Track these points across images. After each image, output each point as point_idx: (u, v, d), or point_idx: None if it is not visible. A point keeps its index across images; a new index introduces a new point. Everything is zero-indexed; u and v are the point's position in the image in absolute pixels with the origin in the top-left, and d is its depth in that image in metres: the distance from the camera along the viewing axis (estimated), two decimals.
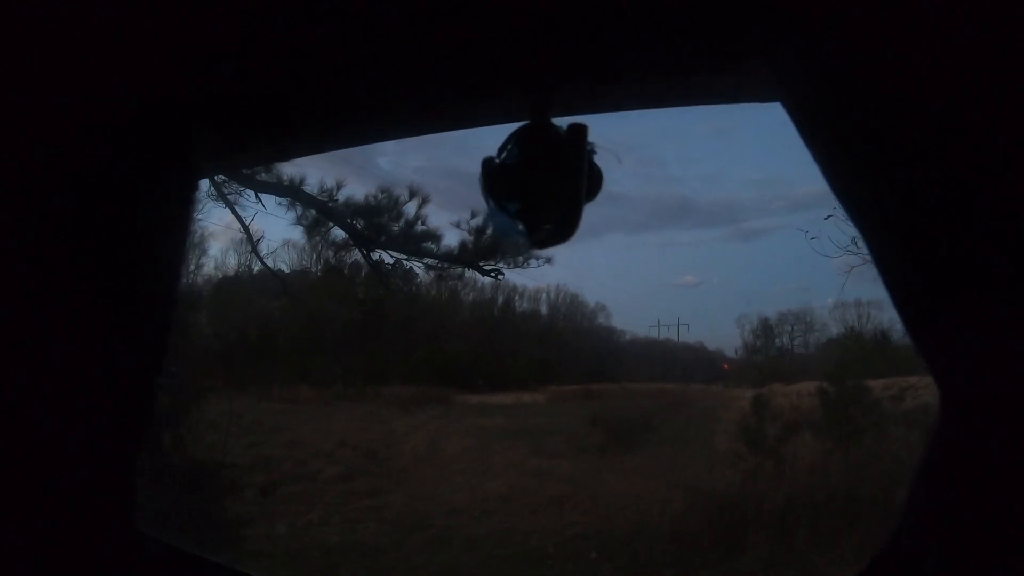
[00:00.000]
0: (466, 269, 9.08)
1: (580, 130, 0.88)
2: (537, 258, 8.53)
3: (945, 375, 0.60)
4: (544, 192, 0.90)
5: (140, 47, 0.63)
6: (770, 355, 16.87)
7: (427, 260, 8.65)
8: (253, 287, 11.85)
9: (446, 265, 8.87)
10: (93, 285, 0.68)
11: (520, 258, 8.66)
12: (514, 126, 0.92)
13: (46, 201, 0.63)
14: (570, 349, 18.42)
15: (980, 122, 0.51)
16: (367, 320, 13.62)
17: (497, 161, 0.91)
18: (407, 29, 0.76)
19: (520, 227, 0.90)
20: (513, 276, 17.26)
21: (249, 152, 1.17)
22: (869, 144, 0.59)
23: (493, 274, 8.73)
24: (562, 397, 13.75)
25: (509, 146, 0.90)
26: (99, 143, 0.65)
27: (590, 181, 0.89)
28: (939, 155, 0.53)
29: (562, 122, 0.89)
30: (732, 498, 6.07)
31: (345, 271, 11.89)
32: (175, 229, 0.78)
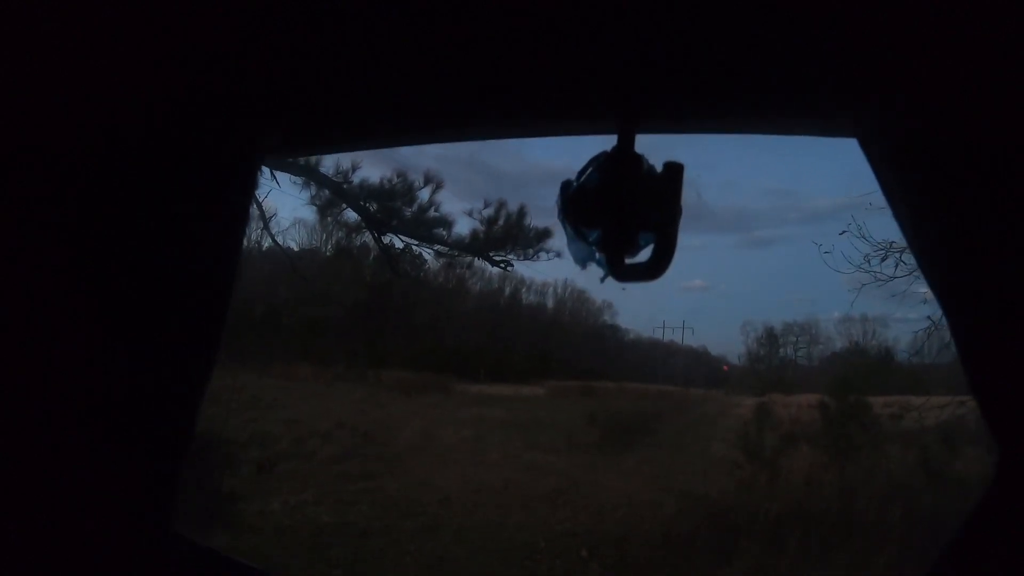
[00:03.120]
0: (476, 258, 9.09)
1: (677, 169, 0.84)
2: (547, 251, 8.53)
3: (1005, 433, 0.60)
4: (626, 221, 0.86)
5: (200, 42, 0.63)
6: (772, 364, 16.83)
7: (437, 247, 8.65)
8: (262, 263, 11.89)
9: (456, 253, 8.88)
10: (145, 282, 0.68)
11: (530, 250, 8.65)
12: (587, 139, 0.90)
13: (100, 196, 0.63)
14: (573, 345, 18.42)
15: None
16: (372, 303, 13.64)
17: (575, 185, 0.87)
18: (491, 40, 0.75)
19: (598, 255, 0.87)
20: (522, 268, 17.28)
21: (306, 147, 1.16)
22: (941, 186, 0.59)
23: (502, 265, 8.72)
24: (562, 392, 13.76)
25: (590, 170, 0.87)
26: (158, 136, 0.65)
27: (676, 217, 0.85)
28: (1013, 198, 0.52)
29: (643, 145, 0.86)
30: (724, 505, 6.07)
31: (354, 253, 11.92)
32: (231, 225, 0.78)
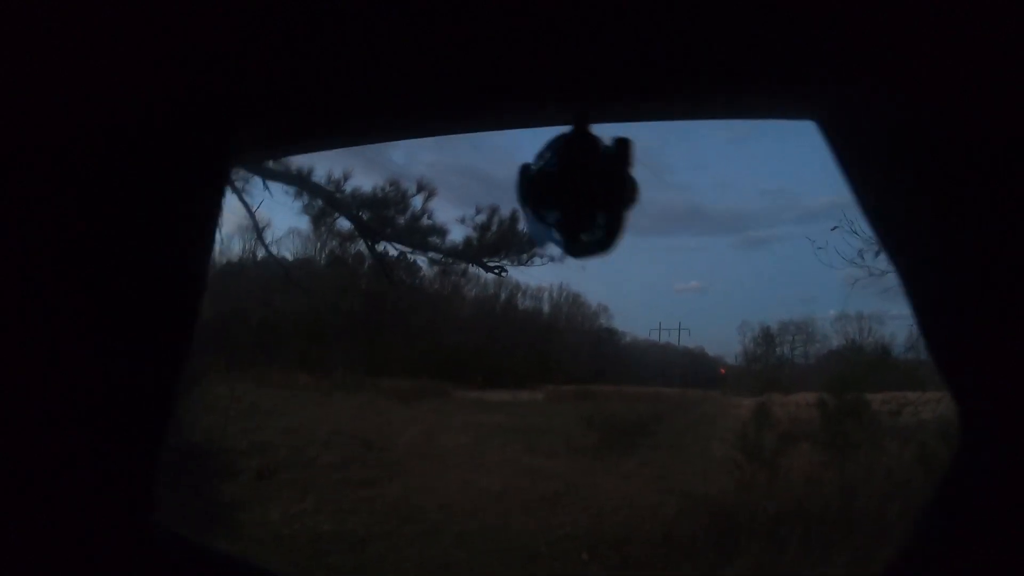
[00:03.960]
0: (470, 264, 9.11)
1: (626, 144, 0.87)
2: (541, 256, 8.56)
3: (965, 395, 0.60)
4: (583, 202, 0.89)
5: (172, 41, 0.63)
6: (770, 364, 16.86)
7: (431, 254, 8.68)
8: (257, 273, 11.88)
9: (450, 260, 8.90)
10: (118, 278, 0.68)
11: (524, 256, 8.68)
12: (549, 131, 0.92)
13: (72, 196, 0.63)
14: (570, 349, 18.43)
15: (1017, 148, 0.51)
16: (369, 311, 13.64)
17: (534, 169, 0.90)
18: (446, 30, 0.76)
19: (557, 236, 0.90)
20: (516, 273, 17.28)
21: (280, 146, 1.18)
22: (902, 165, 0.59)
23: (497, 270, 8.75)
24: (560, 396, 13.76)
25: (548, 154, 0.89)
26: (130, 136, 0.66)
27: (630, 193, 0.89)
28: (974, 177, 0.53)
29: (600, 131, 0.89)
30: (725, 505, 6.06)
31: (349, 262, 11.91)
32: (204, 222, 0.79)
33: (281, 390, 10.36)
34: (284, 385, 10.69)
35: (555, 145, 0.89)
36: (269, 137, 0.98)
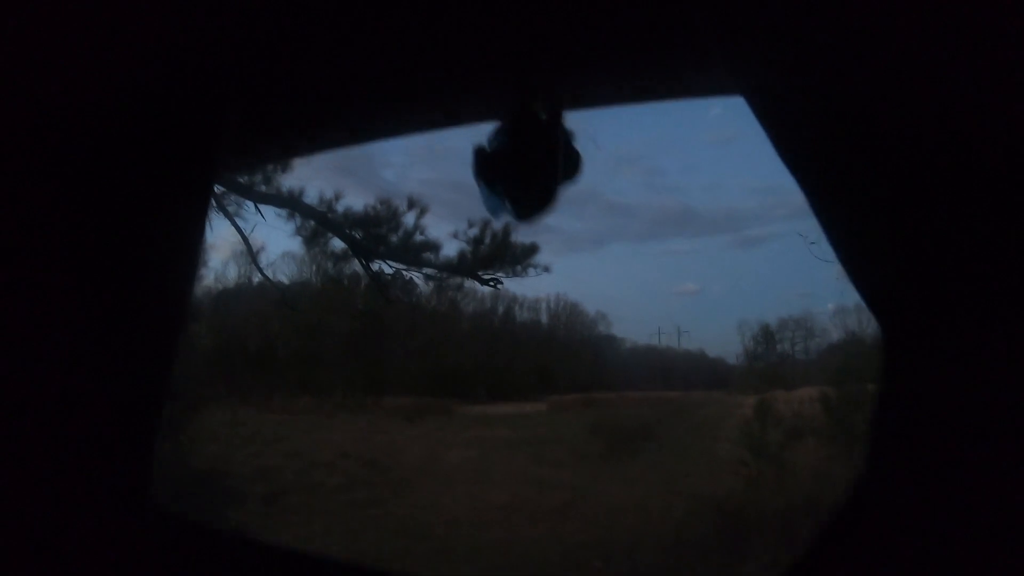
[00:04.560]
0: (465, 279, 9.12)
1: (556, 112, 0.97)
2: (535, 267, 8.57)
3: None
4: (528, 172, 0.98)
5: (157, 38, 0.63)
6: (771, 362, 16.84)
7: (426, 270, 8.69)
8: (253, 298, 11.86)
9: (446, 275, 8.90)
10: (106, 279, 0.68)
11: (519, 267, 8.70)
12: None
13: (55, 197, 0.63)
14: (571, 358, 18.40)
15: (958, 120, 0.49)
16: (367, 331, 13.62)
17: (488, 149, 1.00)
18: (408, 26, 0.78)
19: (507, 204, 1.00)
20: (513, 285, 17.30)
21: (267, 147, 1.20)
22: (832, 139, 0.58)
23: (492, 283, 8.76)
24: (563, 406, 13.72)
25: (498, 135, 0.99)
26: (114, 136, 0.65)
27: (568, 160, 0.98)
28: (908, 150, 0.52)
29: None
30: (734, 505, 6.06)
31: (344, 282, 11.91)
32: (191, 226, 0.79)
33: (283, 414, 10.31)
34: (286, 409, 10.64)
35: (503, 125, 0.99)
36: (255, 137, 0.99)
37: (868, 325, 13.77)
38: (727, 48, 0.68)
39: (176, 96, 0.70)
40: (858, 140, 0.55)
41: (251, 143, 1.04)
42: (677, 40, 0.78)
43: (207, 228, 0.85)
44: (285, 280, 12.25)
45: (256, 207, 7.17)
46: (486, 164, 1.00)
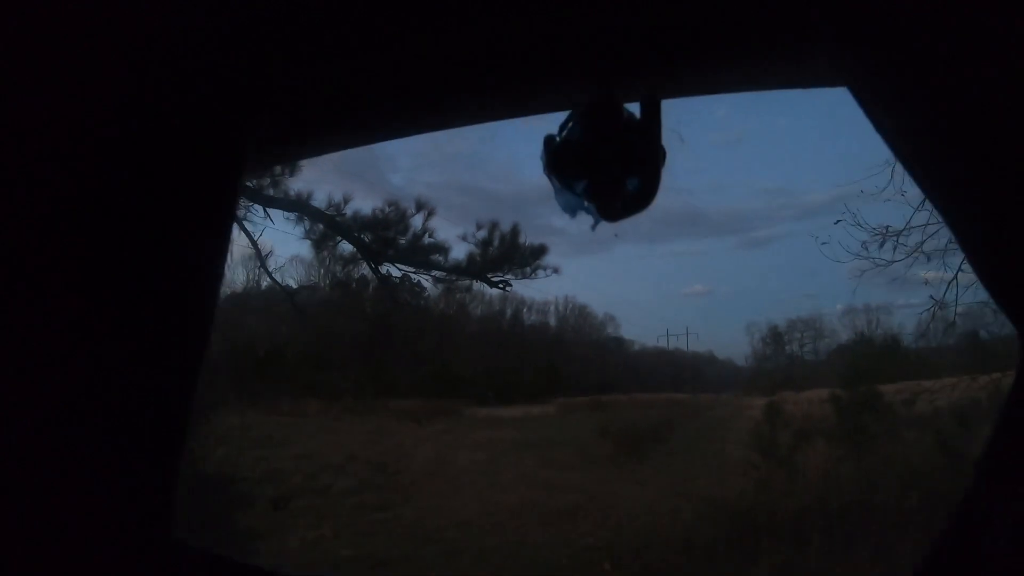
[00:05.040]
0: (474, 281, 9.11)
1: (655, 101, 0.86)
2: (544, 268, 8.57)
3: None
4: (613, 168, 0.87)
5: (181, 36, 0.63)
6: (780, 362, 16.77)
7: (435, 273, 8.69)
8: (262, 302, 11.89)
9: (454, 277, 8.91)
10: (131, 285, 0.68)
11: (528, 269, 8.69)
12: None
13: (82, 198, 0.63)
14: (579, 360, 18.38)
15: None
16: (375, 334, 13.64)
17: (559, 139, 0.88)
18: (466, 15, 0.75)
19: (587, 204, 0.88)
20: (521, 288, 17.29)
21: (287, 146, 1.16)
22: (938, 123, 0.58)
23: (501, 285, 8.75)
24: (571, 408, 13.71)
25: (571, 123, 0.88)
26: (137, 134, 0.65)
27: (659, 153, 0.87)
28: (1015, 129, 0.52)
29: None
30: (744, 507, 6.03)
31: (353, 285, 11.93)
32: (217, 228, 0.78)
33: (292, 417, 10.34)
34: (295, 412, 10.66)
35: (578, 112, 0.88)
36: (280, 136, 0.97)
37: (877, 326, 13.70)
38: (838, 37, 0.67)
39: (196, 100, 0.69)
40: (974, 130, 0.55)
41: (280, 139, 1.01)
42: (782, 29, 0.75)
43: (231, 241, 0.84)
44: (294, 283, 12.26)
45: (265, 211, 7.19)
46: (559, 156, 0.88)
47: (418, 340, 14.93)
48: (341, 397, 11.70)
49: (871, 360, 10.68)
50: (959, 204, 0.61)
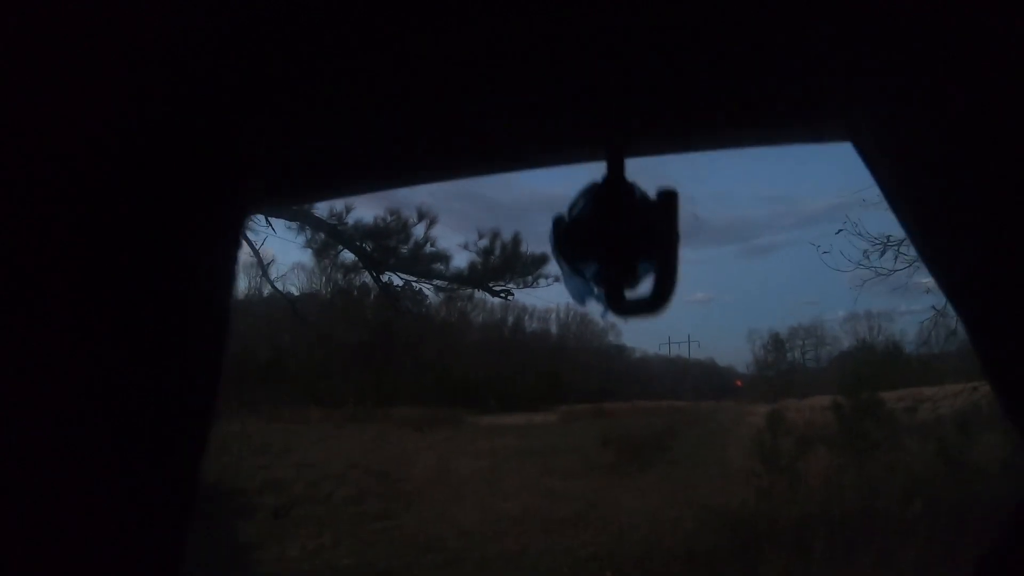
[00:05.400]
0: (475, 290, 9.13)
1: (671, 196, 0.81)
2: (546, 277, 8.58)
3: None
4: (623, 252, 0.82)
5: (184, 78, 0.63)
6: (782, 370, 16.73)
7: (436, 281, 8.71)
8: (263, 309, 11.91)
9: (455, 286, 8.92)
10: (134, 287, 0.67)
11: (529, 278, 8.70)
12: (579, 168, 0.87)
13: (88, 236, 0.62)
14: (580, 368, 18.35)
15: None
16: (377, 342, 13.64)
17: (567, 220, 0.84)
18: (475, 74, 0.74)
19: (597, 291, 0.83)
20: (522, 296, 17.29)
21: (295, 193, 1.14)
22: (940, 181, 0.58)
23: (503, 294, 8.77)
24: (573, 416, 13.67)
25: (581, 203, 0.83)
26: (142, 134, 0.65)
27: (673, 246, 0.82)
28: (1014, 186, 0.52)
29: (634, 165, 0.84)
30: (746, 515, 6.02)
31: (355, 293, 11.96)
32: (224, 230, 0.78)
33: (293, 425, 10.33)
34: (296, 420, 10.65)
35: (589, 192, 0.83)
36: (285, 185, 0.96)
37: (878, 333, 13.68)
38: (840, 98, 0.67)
39: (197, 100, 0.69)
40: (972, 181, 0.55)
41: (285, 188, 1.00)
42: (789, 91, 0.74)
43: (239, 245, 0.83)
44: (295, 291, 12.30)
45: (267, 219, 7.22)
46: (568, 238, 0.84)
47: (420, 348, 14.93)
48: (343, 405, 11.69)
49: (873, 367, 10.66)
50: (957, 278, 0.62)
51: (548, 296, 23.62)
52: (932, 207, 0.62)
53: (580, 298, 0.84)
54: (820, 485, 6.41)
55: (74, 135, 0.60)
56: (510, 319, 18.80)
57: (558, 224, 0.84)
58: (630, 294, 0.82)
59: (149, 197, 0.66)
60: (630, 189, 0.82)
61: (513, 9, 0.64)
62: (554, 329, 19.93)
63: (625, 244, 0.82)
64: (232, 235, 0.80)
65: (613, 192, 0.82)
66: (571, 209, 0.84)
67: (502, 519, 6.94)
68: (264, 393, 10.15)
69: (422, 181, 1.08)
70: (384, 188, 1.13)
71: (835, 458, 6.93)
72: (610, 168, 0.82)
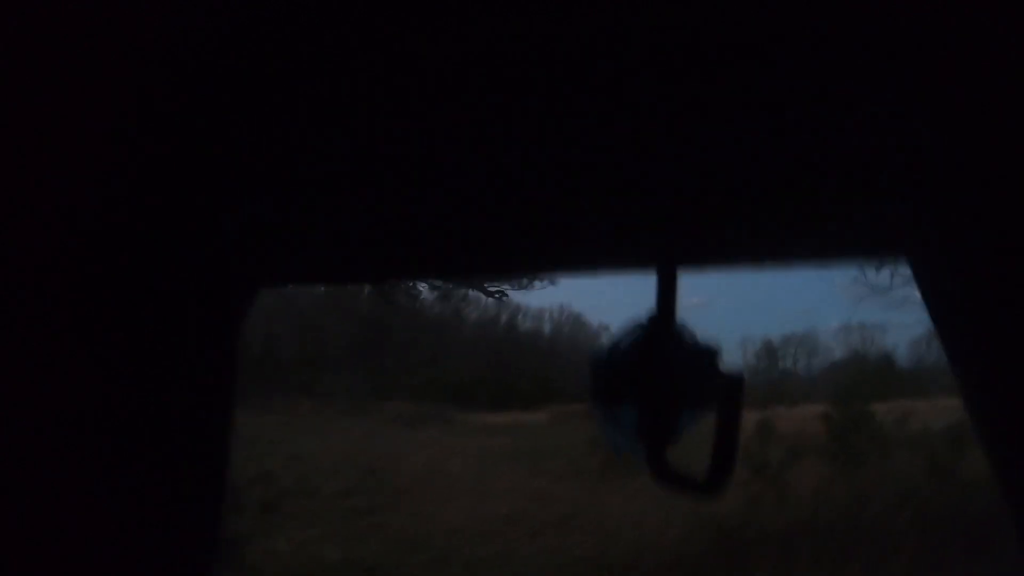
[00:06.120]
0: (470, 289, 9.11)
1: (738, 383, 0.75)
2: (541, 279, 8.56)
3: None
4: (666, 403, 0.75)
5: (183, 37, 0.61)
6: (773, 377, 16.78)
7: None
8: (257, 302, 11.84)
9: (450, 285, 8.91)
10: (134, 286, 0.65)
11: (524, 280, 8.68)
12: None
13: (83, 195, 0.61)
14: (573, 369, 18.35)
15: None
16: (369, 336, 13.61)
17: (609, 359, 0.77)
18: (515, 185, 0.70)
19: (638, 443, 0.75)
20: (516, 296, 17.28)
21: (306, 277, 1.10)
22: (999, 316, 0.56)
23: (497, 295, 8.76)
24: (564, 417, 13.64)
25: (623, 344, 0.76)
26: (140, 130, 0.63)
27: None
28: None
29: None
30: (734, 522, 6.03)
31: (349, 287, 11.93)
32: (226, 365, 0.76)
33: (283, 418, 10.29)
34: (286, 413, 10.61)
35: (632, 333, 0.76)
36: (287, 273, 0.93)
37: (872, 344, 13.75)
38: (908, 206, 0.64)
39: (195, 99, 0.67)
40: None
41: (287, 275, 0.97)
42: (846, 205, 0.70)
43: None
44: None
45: None
46: (607, 382, 0.77)
47: (412, 344, 14.91)
48: (333, 399, 11.66)
49: (865, 378, 10.70)
50: (994, 408, 0.60)
51: (542, 296, 23.66)
52: (981, 346, 0.59)
53: (618, 449, 0.79)
54: (809, 494, 6.43)
55: (60, 123, 0.58)
56: (503, 318, 18.80)
57: (597, 363, 0.77)
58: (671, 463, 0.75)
59: (153, 197, 0.64)
60: (680, 333, 0.76)
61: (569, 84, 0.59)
62: (547, 329, 19.95)
63: (667, 391, 0.75)
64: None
65: (660, 335, 0.75)
66: (613, 349, 0.77)
67: (490, 519, 6.93)
68: (255, 384, 10.11)
69: (433, 277, 1.04)
70: (403, 277, 1.08)
71: (824, 467, 6.96)
72: (660, 294, 0.75)
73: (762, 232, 0.77)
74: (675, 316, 0.75)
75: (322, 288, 12.49)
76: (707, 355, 0.76)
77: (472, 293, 9.17)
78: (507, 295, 8.70)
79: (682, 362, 0.75)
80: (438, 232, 0.80)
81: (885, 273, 6.21)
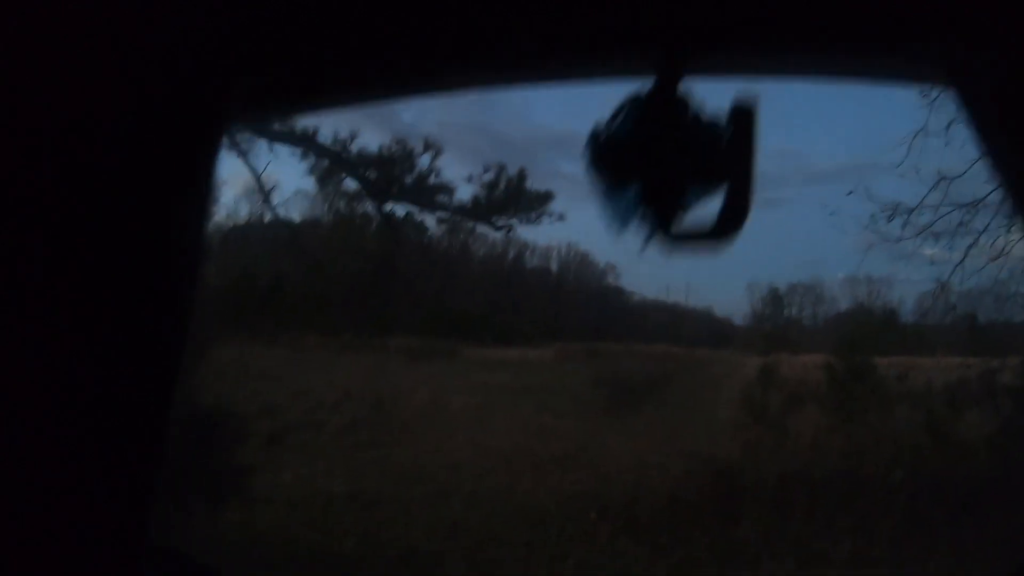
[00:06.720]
0: (478, 223, 9.05)
1: (747, 114, 0.70)
2: (550, 215, 8.49)
3: None
4: (673, 175, 0.71)
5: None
6: (778, 324, 16.79)
7: (439, 213, 8.63)
8: (264, 236, 11.82)
9: (458, 218, 8.85)
10: (101, 260, 0.64)
11: (532, 214, 8.61)
12: (603, 99, 0.75)
13: (53, 160, 0.58)
14: (578, 307, 18.41)
15: None
16: (376, 271, 13.60)
17: (608, 131, 0.72)
18: None
19: (642, 213, 0.71)
20: (524, 232, 17.19)
21: (282, 103, 1.04)
22: None
23: (504, 229, 8.70)
24: (568, 355, 13.76)
25: (623, 113, 0.71)
26: (117, 94, 0.60)
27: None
28: None
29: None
30: (731, 467, 6.12)
31: (356, 221, 11.86)
32: (199, 190, 0.73)
33: (290, 352, 10.40)
34: (293, 347, 10.71)
35: (634, 101, 0.71)
36: (270, 93, 0.88)
37: (878, 297, 13.69)
38: (946, 33, 0.59)
39: (184, 49, 0.64)
40: None
41: (270, 95, 0.91)
42: (884, 21, 0.63)
43: (211, 205, 0.78)
44: (297, 218, 12.18)
45: (270, 145, 7.09)
46: (606, 154, 0.72)
47: (418, 279, 14.92)
48: (340, 333, 11.74)
49: (868, 331, 10.69)
50: None
51: (550, 233, 23.51)
52: None
53: (620, 221, 0.74)
54: (806, 444, 6.50)
55: (41, 94, 0.55)
56: (511, 254, 18.74)
57: (596, 136, 0.73)
58: (679, 224, 0.72)
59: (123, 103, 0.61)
60: (683, 103, 0.71)
61: None
62: (554, 267, 19.91)
63: (677, 164, 0.72)
64: (211, 145, 0.75)
65: (663, 104, 0.71)
66: (612, 119, 0.73)
67: (492, 455, 7.07)
68: (262, 319, 10.18)
69: (425, 91, 0.97)
70: (386, 96, 1.02)
71: (823, 418, 7.01)
72: (661, 77, 0.70)
73: (784, 30, 0.70)
74: (677, 86, 0.71)
75: (325, 221, 12.41)
76: (712, 128, 0.71)
77: (480, 228, 9.10)
78: (514, 230, 8.65)
79: (689, 135, 0.72)
80: (422, 31, 0.75)
81: (896, 223, 6.10)
